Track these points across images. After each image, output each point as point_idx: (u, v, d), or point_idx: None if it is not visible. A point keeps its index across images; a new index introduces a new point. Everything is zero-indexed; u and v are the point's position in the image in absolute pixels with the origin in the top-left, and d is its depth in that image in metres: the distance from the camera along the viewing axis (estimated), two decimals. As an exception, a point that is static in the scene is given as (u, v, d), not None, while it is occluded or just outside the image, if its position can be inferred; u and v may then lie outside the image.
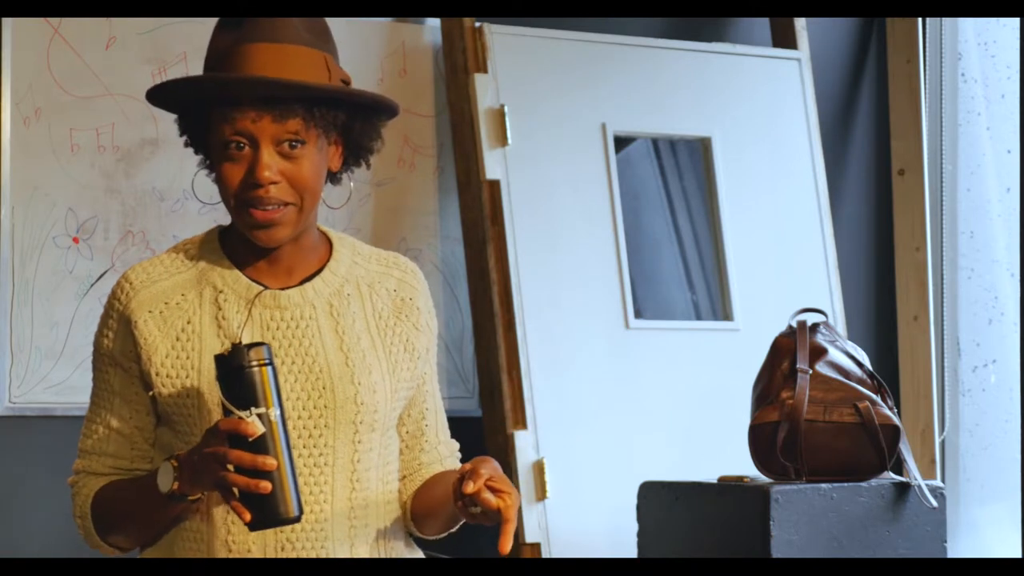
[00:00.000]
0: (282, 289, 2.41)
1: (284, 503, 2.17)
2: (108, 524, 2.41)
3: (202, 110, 2.37)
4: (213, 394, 2.34)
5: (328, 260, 2.45)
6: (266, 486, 2.15)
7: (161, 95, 2.40)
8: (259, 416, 2.17)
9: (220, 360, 2.19)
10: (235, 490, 2.17)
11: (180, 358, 2.36)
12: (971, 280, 4.72)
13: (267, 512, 2.17)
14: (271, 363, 2.19)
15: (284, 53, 2.35)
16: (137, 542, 2.44)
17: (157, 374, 2.36)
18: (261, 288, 2.39)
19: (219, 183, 2.37)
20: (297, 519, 2.19)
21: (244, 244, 2.41)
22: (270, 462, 2.15)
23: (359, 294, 2.45)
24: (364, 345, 2.42)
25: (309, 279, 2.43)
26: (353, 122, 2.41)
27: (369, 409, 2.39)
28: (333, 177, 2.44)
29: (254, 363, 2.17)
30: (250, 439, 2.16)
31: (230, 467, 2.17)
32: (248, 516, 2.16)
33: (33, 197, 3.84)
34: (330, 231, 2.49)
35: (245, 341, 2.34)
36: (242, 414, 2.16)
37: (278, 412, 2.18)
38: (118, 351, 2.40)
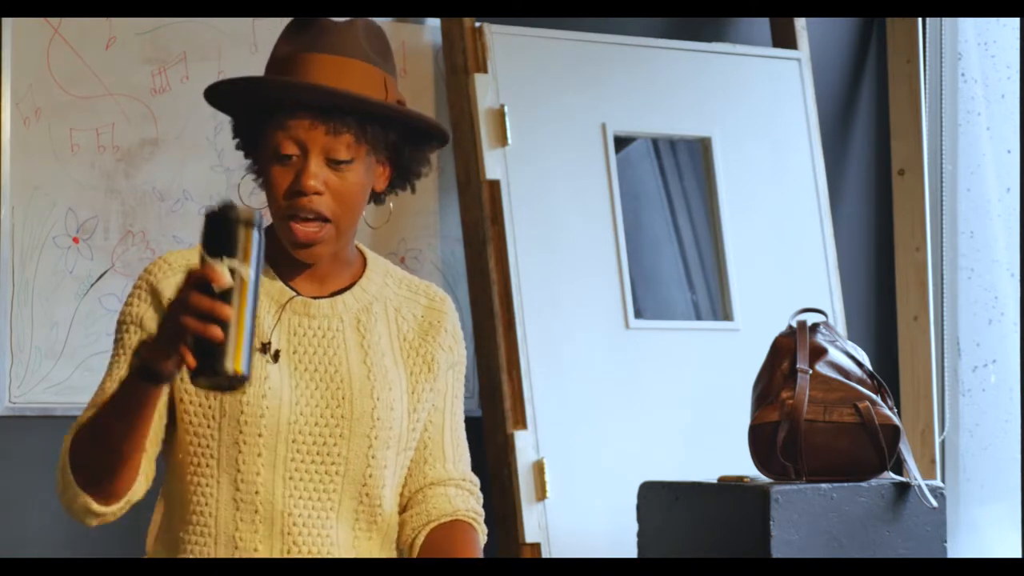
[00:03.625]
0: (313, 298, 2.41)
1: (233, 359, 2.07)
2: (82, 456, 2.28)
3: (257, 114, 2.38)
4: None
5: (360, 277, 2.46)
6: (216, 332, 2.05)
7: (218, 95, 2.40)
8: (231, 270, 2.08)
9: (208, 215, 2.11)
10: (188, 339, 2.07)
11: None
12: (971, 280, 4.72)
13: (213, 362, 2.07)
14: (259, 230, 2.11)
15: (345, 66, 2.36)
16: (111, 471, 2.28)
17: None
18: (293, 294, 2.40)
19: (267, 189, 2.37)
20: (242, 380, 2.08)
21: (280, 249, 2.41)
22: (227, 311, 2.06)
23: (385, 315, 2.46)
24: (387, 363, 2.42)
25: (340, 292, 2.44)
26: (404, 145, 2.42)
27: (384, 425, 2.39)
28: (377, 197, 2.45)
29: (241, 220, 2.09)
30: (217, 288, 2.07)
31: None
32: (193, 362, 2.06)
33: (33, 197, 3.84)
34: (367, 250, 2.51)
35: (274, 342, 2.35)
36: (213, 262, 2.08)
37: (252, 275, 2.09)
38: (148, 317, 2.38)
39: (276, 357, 2.38)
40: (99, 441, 2.25)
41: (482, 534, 2.51)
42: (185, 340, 2.06)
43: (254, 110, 2.38)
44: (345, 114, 2.34)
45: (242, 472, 2.36)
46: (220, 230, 2.09)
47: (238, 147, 2.47)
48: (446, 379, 2.49)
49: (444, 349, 2.48)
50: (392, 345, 2.44)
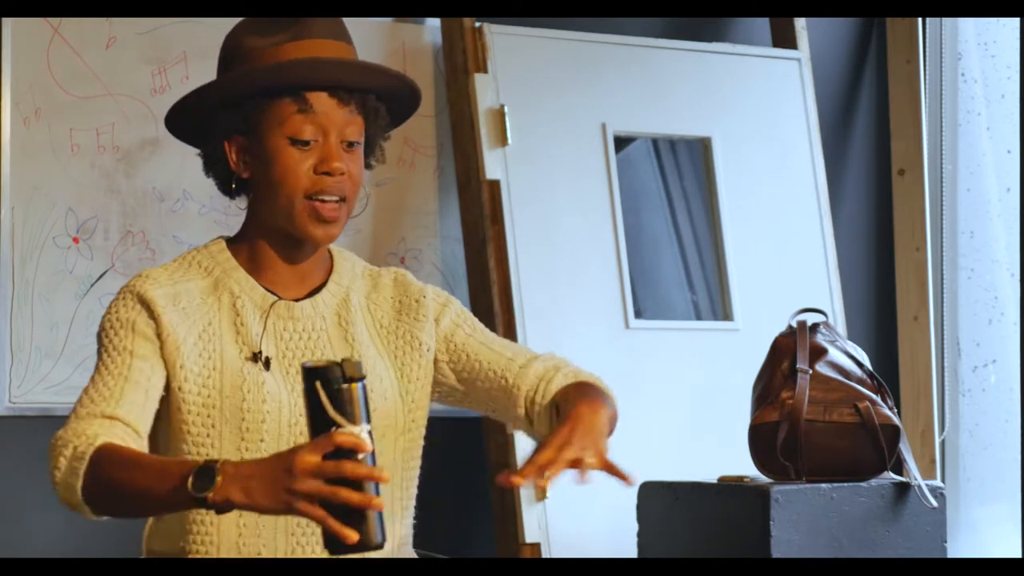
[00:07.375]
0: (295, 300, 2.41)
1: (377, 526, 2.02)
2: (97, 491, 2.23)
3: (255, 107, 2.35)
4: (235, 398, 2.33)
5: (332, 270, 2.47)
6: (379, 503, 2.01)
7: (237, 86, 2.37)
8: (369, 433, 2.04)
9: (320, 373, 2.03)
10: (318, 513, 2.01)
11: (203, 356, 2.35)
12: (971, 280, 4.72)
13: (361, 533, 2.01)
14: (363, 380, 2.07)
15: (348, 52, 2.38)
16: (125, 516, 2.30)
17: (183, 367, 2.34)
18: (275, 298, 2.40)
19: (274, 179, 2.34)
20: (382, 545, 2.03)
21: (256, 252, 2.41)
22: (385, 475, 2.01)
23: (360, 305, 2.47)
24: (372, 354, 2.43)
25: (317, 290, 2.44)
26: (388, 127, 2.46)
27: (379, 416, 2.39)
28: None
29: (359, 379, 2.04)
30: (360, 456, 2.01)
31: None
32: (356, 536, 2.00)
33: (33, 197, 3.84)
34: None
35: (264, 349, 2.34)
36: (355, 430, 2.02)
37: (369, 429, 2.06)
38: (141, 322, 2.35)
39: (268, 364, 2.37)
40: (122, 500, 2.21)
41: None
42: (319, 513, 2.00)
43: (252, 103, 2.36)
44: (367, 94, 2.35)
45: None
46: (347, 394, 2.03)
47: (205, 154, 2.43)
48: (451, 323, 2.50)
49: (422, 320, 2.48)
50: (371, 335, 2.45)
